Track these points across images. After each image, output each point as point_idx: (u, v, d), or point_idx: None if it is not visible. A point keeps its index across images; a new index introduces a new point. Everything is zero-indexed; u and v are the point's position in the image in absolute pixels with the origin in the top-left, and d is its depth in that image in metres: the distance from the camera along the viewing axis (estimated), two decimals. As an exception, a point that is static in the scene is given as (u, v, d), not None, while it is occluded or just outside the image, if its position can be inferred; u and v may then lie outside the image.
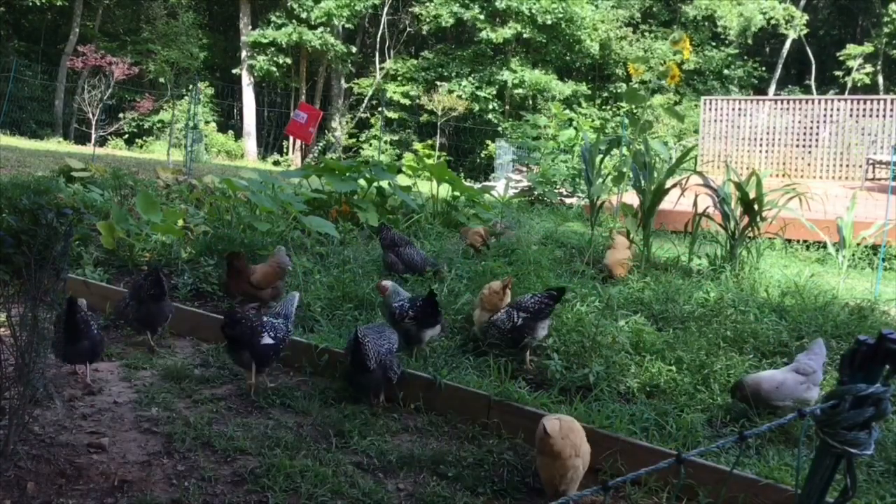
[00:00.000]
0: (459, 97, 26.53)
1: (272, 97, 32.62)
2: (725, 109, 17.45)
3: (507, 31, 26.79)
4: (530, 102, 27.64)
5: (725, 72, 29.49)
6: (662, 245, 7.69)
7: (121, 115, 25.96)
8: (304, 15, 26.99)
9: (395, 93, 28.31)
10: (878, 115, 15.91)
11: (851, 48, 29.35)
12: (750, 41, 29.70)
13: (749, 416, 3.90)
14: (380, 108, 25.21)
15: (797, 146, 16.63)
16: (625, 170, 7.38)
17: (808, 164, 16.48)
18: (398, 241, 6.22)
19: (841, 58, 29.70)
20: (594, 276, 6.45)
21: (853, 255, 8.22)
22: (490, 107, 27.62)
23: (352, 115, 30.98)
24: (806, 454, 3.25)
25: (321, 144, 29.54)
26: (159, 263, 6.20)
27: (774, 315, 5.41)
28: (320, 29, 27.37)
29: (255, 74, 29.00)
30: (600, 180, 7.84)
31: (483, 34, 27.19)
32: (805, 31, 29.50)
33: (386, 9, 29.25)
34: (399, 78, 29.22)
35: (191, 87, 18.09)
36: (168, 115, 24.39)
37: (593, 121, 24.95)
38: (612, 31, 27.78)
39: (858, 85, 29.20)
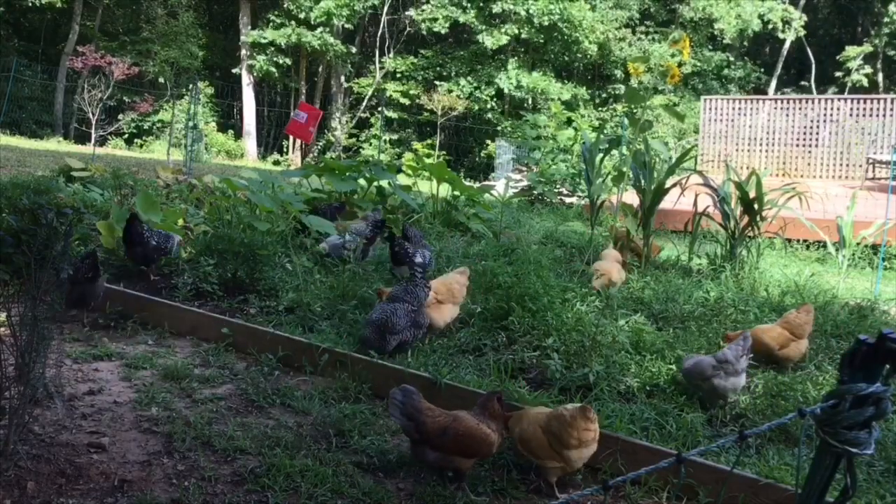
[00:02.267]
0: (458, 97, 26.54)
1: (272, 97, 32.62)
2: (725, 109, 17.46)
3: (503, 37, 26.78)
4: (530, 102, 27.64)
5: (725, 72, 29.48)
6: (663, 244, 7.69)
7: (120, 115, 25.96)
8: (302, 15, 26.98)
9: (394, 92, 28.30)
10: (878, 115, 15.93)
11: (851, 50, 29.36)
12: (746, 44, 29.68)
13: (748, 415, 3.90)
14: (380, 108, 25.21)
15: (797, 146, 16.64)
16: (625, 169, 7.38)
17: (809, 164, 16.49)
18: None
19: (840, 59, 29.72)
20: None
21: (853, 254, 8.22)
22: (489, 106, 27.61)
23: (352, 115, 30.97)
24: (806, 454, 3.24)
25: (321, 144, 29.55)
26: (97, 247, 6.21)
27: (774, 314, 5.41)
28: (319, 29, 27.35)
29: (255, 74, 29.00)
30: (600, 180, 7.85)
31: (480, 37, 27.17)
32: (804, 32, 29.48)
33: (386, 8, 29.25)
34: (399, 77, 29.22)
35: (191, 86, 18.08)
36: (168, 114, 24.39)
37: (592, 122, 24.94)
38: (611, 32, 27.76)
39: (857, 85, 29.21)
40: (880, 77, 30.87)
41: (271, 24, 28.11)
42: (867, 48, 29.28)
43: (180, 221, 7.03)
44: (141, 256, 5.84)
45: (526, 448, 3.23)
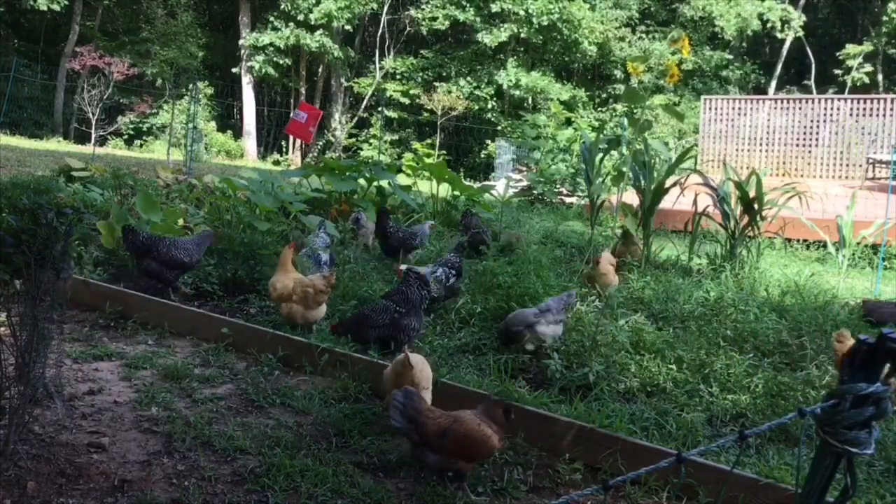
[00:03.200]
0: (458, 97, 26.54)
1: (272, 97, 32.62)
2: (725, 109, 17.46)
3: (503, 35, 26.79)
4: (529, 102, 27.64)
5: (724, 73, 29.49)
6: (663, 244, 7.69)
7: (119, 116, 25.95)
8: (301, 17, 26.95)
9: (394, 92, 28.30)
10: (878, 115, 15.93)
11: (851, 48, 29.36)
12: (746, 44, 29.66)
13: (748, 414, 3.90)
14: (379, 108, 25.21)
15: (797, 145, 16.64)
16: (624, 169, 7.39)
17: (808, 164, 16.49)
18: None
19: (840, 57, 29.72)
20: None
21: (853, 254, 8.22)
22: (489, 106, 27.61)
23: (351, 115, 30.98)
24: (806, 454, 3.24)
25: (321, 144, 29.55)
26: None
27: (774, 314, 5.42)
28: (319, 32, 27.32)
29: (255, 75, 28.99)
30: (600, 180, 7.85)
31: (480, 36, 27.19)
32: (803, 32, 29.49)
33: (386, 8, 29.26)
34: (399, 77, 29.22)
35: (190, 86, 18.10)
36: (167, 116, 24.40)
37: (591, 122, 24.94)
38: (610, 32, 27.76)
39: (857, 84, 29.21)
40: (880, 77, 30.88)
41: (269, 25, 28.10)
42: (867, 47, 29.28)
43: (180, 221, 7.03)
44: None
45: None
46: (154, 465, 3.20)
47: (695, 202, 7.18)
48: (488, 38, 26.79)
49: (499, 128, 26.32)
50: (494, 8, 26.60)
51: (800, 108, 16.76)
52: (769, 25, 28.34)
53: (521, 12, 26.26)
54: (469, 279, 5.95)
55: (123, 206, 7.44)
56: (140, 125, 26.95)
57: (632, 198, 7.95)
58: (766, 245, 8.10)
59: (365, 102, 29.96)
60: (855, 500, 3.00)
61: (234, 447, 3.36)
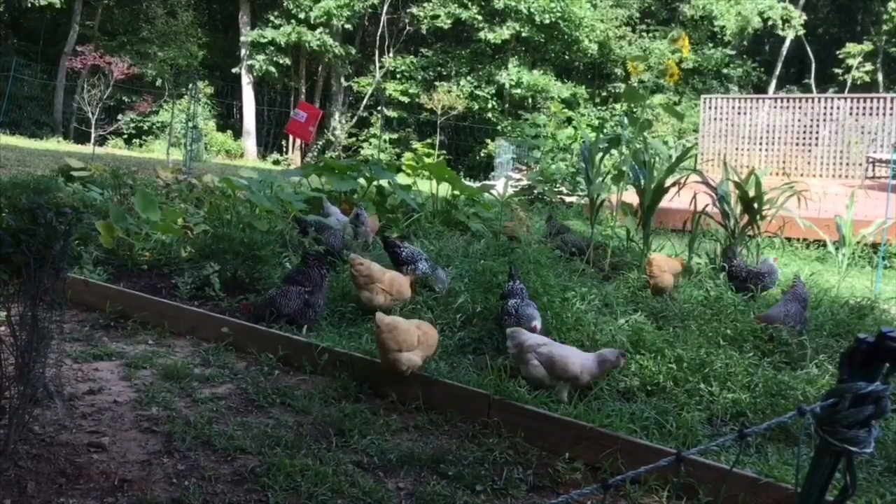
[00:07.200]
0: (458, 96, 26.52)
1: (272, 96, 32.61)
2: (725, 108, 17.46)
3: (505, 33, 26.79)
4: (530, 101, 27.64)
5: (724, 71, 29.49)
6: (662, 243, 7.69)
7: (119, 115, 25.93)
8: (301, 15, 26.95)
9: (394, 91, 28.29)
10: (877, 114, 15.93)
11: (851, 47, 29.36)
12: (746, 42, 29.68)
13: (748, 413, 3.90)
14: (379, 107, 25.20)
15: (797, 145, 16.64)
16: (624, 168, 7.38)
17: (808, 163, 16.49)
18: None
19: (840, 56, 29.72)
20: (594, 274, 6.45)
21: (853, 253, 8.21)
22: (489, 105, 27.60)
23: (351, 114, 30.97)
24: (806, 453, 3.24)
25: (321, 143, 29.54)
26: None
27: (774, 313, 5.40)
28: (319, 30, 27.33)
29: (255, 74, 28.98)
30: (600, 179, 7.84)
31: (481, 34, 27.18)
32: (803, 31, 29.50)
33: (385, 7, 29.24)
34: (398, 76, 29.21)
35: (190, 86, 18.10)
36: (167, 115, 24.40)
37: (591, 121, 24.98)
38: (611, 31, 27.76)
39: (858, 83, 29.21)
40: (880, 76, 30.89)
41: (270, 24, 28.09)
42: (867, 46, 29.28)
43: (180, 221, 7.02)
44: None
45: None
46: (154, 464, 3.20)
47: (694, 201, 7.17)
48: (491, 36, 26.78)
49: (499, 127, 26.32)
50: (497, 5, 26.59)
51: (800, 107, 16.76)
52: (770, 24, 28.35)
53: (524, 10, 26.26)
54: (469, 279, 5.95)
55: (123, 205, 7.44)
56: (140, 125, 26.94)
57: (632, 197, 7.94)
58: (766, 244, 8.10)
59: (365, 102, 29.94)
60: (855, 500, 3.00)
61: (234, 447, 3.36)
